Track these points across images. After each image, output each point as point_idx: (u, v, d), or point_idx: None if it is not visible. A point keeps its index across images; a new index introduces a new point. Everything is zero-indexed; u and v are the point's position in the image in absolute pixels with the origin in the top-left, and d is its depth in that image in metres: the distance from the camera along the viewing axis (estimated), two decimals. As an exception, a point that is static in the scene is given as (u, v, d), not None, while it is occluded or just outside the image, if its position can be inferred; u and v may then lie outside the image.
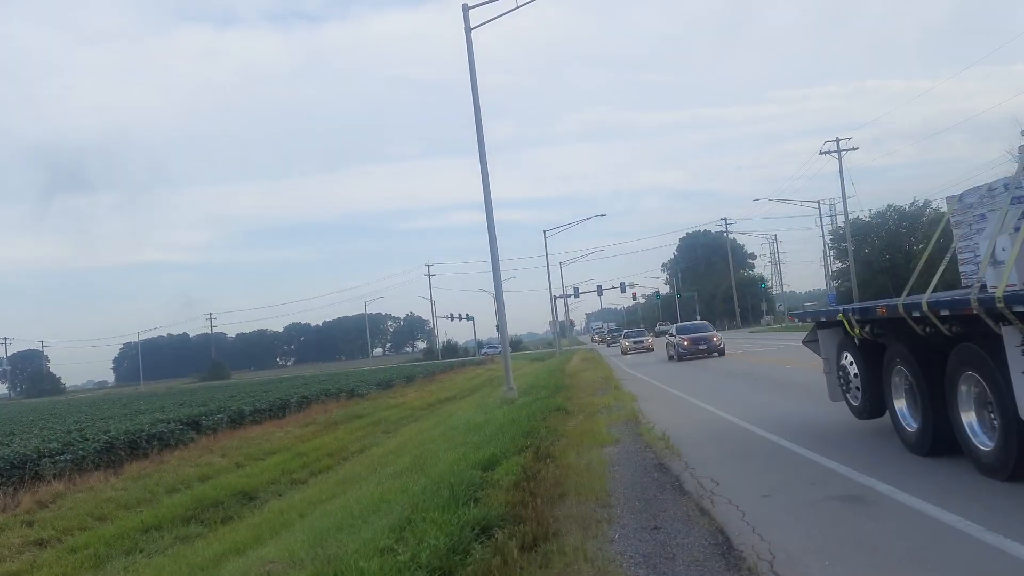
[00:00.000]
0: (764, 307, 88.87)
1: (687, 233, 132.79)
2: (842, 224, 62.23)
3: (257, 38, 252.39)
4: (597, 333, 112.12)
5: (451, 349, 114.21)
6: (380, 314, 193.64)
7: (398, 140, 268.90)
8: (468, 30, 19.13)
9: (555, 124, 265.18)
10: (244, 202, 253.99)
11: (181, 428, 20.07)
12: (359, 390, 32.80)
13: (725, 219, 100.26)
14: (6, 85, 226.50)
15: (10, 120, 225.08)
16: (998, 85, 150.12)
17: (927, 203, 55.61)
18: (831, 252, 64.53)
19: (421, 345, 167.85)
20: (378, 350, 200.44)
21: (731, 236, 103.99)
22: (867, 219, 59.57)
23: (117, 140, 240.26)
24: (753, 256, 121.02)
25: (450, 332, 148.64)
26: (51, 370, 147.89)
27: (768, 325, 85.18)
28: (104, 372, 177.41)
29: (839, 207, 57.28)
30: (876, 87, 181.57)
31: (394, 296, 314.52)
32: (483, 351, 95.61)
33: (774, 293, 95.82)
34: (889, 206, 58.47)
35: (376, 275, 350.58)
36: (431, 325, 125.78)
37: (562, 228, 71.83)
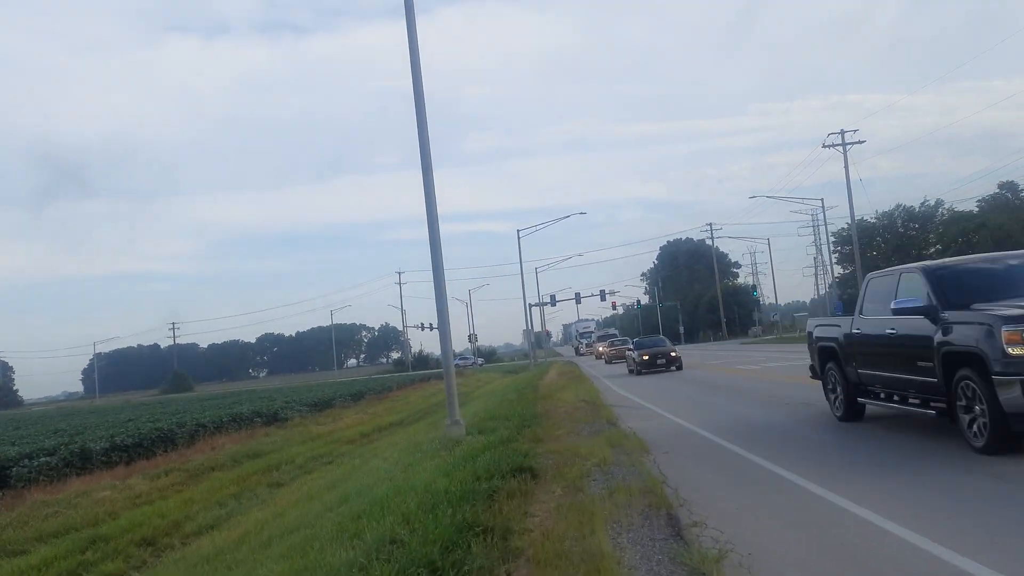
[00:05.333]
0: (756, 317, 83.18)
1: (668, 241, 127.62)
2: (841, 228, 56.81)
3: (245, 49, 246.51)
4: (584, 340, 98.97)
5: (423, 360, 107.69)
6: (354, 324, 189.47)
7: (382, 151, 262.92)
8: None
9: (537, 135, 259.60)
10: (228, 213, 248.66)
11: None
12: (283, 413, 26.35)
13: (711, 225, 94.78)
14: None
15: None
16: (977, 100, 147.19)
17: (939, 203, 50.13)
18: (833, 256, 58.98)
19: (395, 355, 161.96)
20: (352, 360, 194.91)
21: (715, 245, 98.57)
22: (872, 220, 54.03)
23: (102, 150, 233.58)
24: (738, 265, 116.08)
25: (424, 342, 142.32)
26: (16, 382, 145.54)
27: (757, 336, 79.55)
28: (76, 383, 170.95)
29: (831, 212, 51.69)
30: (857, 101, 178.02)
31: (369, 306, 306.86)
32: (455, 363, 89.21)
33: (766, 302, 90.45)
34: (898, 206, 53.03)
35: (350, 285, 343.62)
36: (406, 336, 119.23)
37: (538, 227, 65.67)
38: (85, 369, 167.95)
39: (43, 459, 15.30)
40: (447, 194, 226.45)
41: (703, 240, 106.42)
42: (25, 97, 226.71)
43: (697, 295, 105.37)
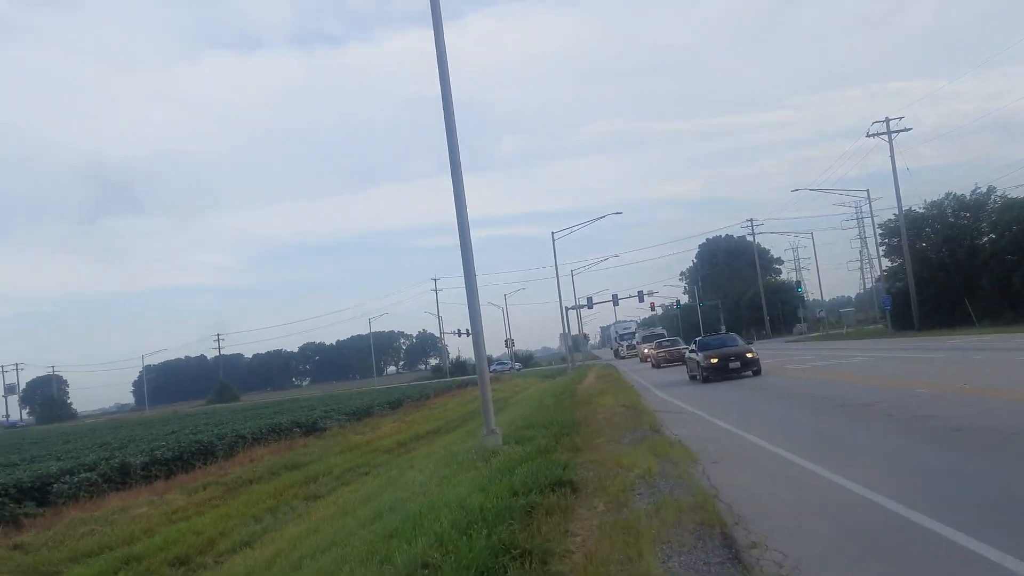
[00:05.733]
0: (801, 314, 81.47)
1: (707, 239, 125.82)
2: (888, 219, 55.28)
3: (281, 61, 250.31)
4: (624, 341, 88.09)
5: (460, 366, 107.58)
6: (393, 332, 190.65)
7: (416, 158, 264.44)
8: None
9: (570, 137, 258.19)
10: (269, 224, 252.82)
11: (16, 498, 13.60)
12: (322, 423, 26.20)
13: (751, 220, 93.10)
14: (42, 114, 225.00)
15: (34, 148, 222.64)
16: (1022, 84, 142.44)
17: (991, 189, 48.42)
18: (880, 248, 57.42)
19: (434, 362, 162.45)
20: (392, 368, 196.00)
21: (756, 241, 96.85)
22: (921, 210, 52.41)
23: (147, 166, 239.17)
24: (779, 261, 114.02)
25: (462, 348, 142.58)
26: (71, 394, 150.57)
27: (802, 334, 77.91)
28: (127, 395, 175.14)
29: (876, 204, 50.21)
30: (899, 89, 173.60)
31: (407, 313, 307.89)
32: (492, 368, 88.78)
33: (810, 299, 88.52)
34: (947, 194, 51.29)
35: (388, 293, 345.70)
36: (443, 342, 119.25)
37: (572, 229, 65.08)
38: (136, 381, 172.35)
39: (83, 475, 15.22)
40: (481, 199, 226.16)
41: (743, 237, 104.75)
42: (74, 117, 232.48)
43: (738, 293, 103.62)
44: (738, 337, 29.08)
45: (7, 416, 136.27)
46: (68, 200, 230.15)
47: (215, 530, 11.21)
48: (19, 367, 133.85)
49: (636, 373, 39.89)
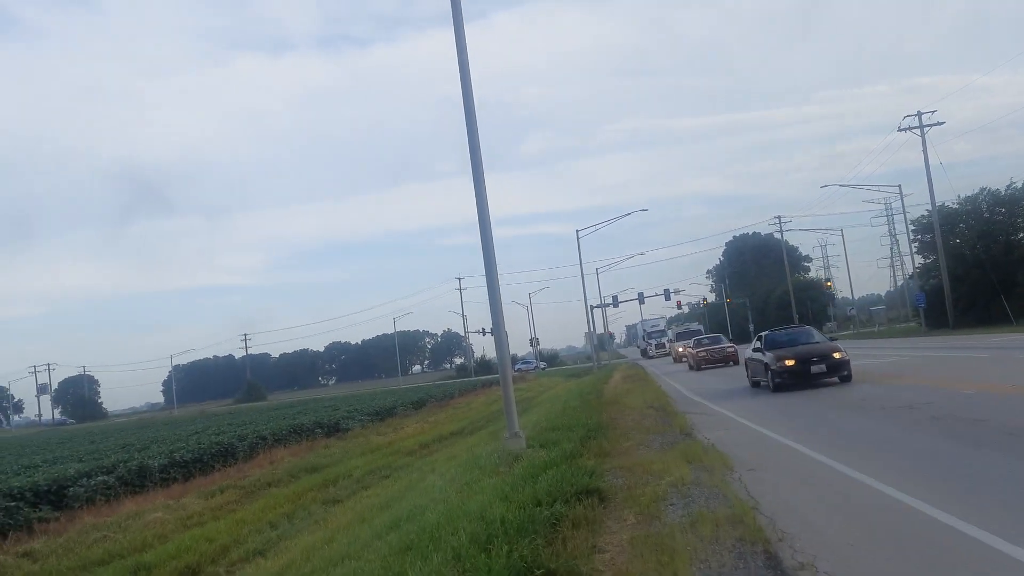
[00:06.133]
0: (830, 312, 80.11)
1: (734, 236, 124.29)
2: (921, 215, 54.00)
3: (308, 64, 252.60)
4: (653, 340, 79.45)
5: (485, 365, 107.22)
6: (418, 331, 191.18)
7: (440, 158, 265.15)
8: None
9: (596, 134, 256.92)
10: (296, 225, 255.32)
11: (32, 502, 13.36)
12: (344, 424, 25.89)
13: (779, 217, 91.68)
14: (77, 119, 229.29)
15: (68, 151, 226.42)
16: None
17: (1030, 184, 47.09)
18: (913, 245, 56.13)
19: (459, 361, 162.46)
20: (417, 367, 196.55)
21: (784, 238, 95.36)
22: (954, 206, 51.11)
23: (178, 168, 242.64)
24: (808, 258, 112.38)
25: (486, 347, 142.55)
26: (102, 394, 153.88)
27: (833, 332, 76.47)
28: (157, 394, 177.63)
29: (907, 200, 49.06)
30: (930, 83, 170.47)
31: (432, 312, 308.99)
32: (516, 367, 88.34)
33: (840, 296, 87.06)
34: (982, 189, 49.98)
35: (413, 292, 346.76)
36: (468, 341, 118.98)
37: (597, 227, 63.96)
38: (165, 381, 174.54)
39: (100, 478, 14.98)
40: (505, 197, 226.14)
41: (771, 234, 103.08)
42: (108, 121, 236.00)
43: (766, 291, 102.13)
44: (815, 331, 22.60)
45: (39, 415, 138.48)
46: (101, 203, 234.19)
47: (229, 537, 10.84)
48: (51, 367, 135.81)
49: (671, 377, 33.27)
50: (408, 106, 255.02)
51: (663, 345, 74.27)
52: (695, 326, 68.18)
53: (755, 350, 21.39)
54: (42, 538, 11.25)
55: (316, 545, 9.20)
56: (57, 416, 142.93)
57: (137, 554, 10.33)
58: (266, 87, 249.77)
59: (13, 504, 12.33)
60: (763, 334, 22.03)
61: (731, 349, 36.26)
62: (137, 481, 15.76)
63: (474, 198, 12.85)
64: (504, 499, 7.99)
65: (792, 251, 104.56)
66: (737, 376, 26.32)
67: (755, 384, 21.22)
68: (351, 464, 17.34)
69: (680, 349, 50.11)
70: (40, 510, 13.07)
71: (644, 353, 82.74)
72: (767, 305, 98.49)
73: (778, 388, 18.80)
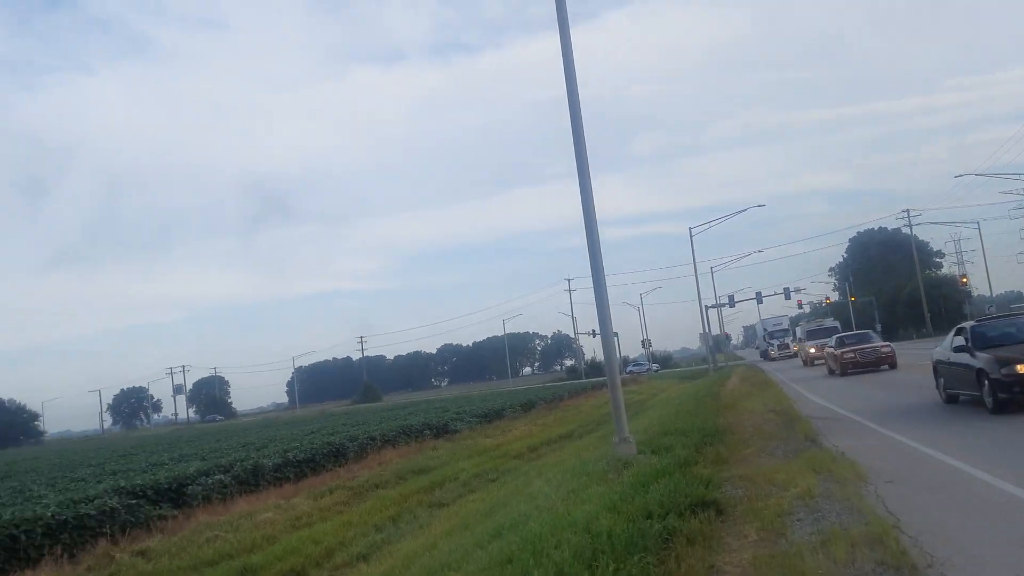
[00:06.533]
0: (967, 310, 74.87)
1: (858, 232, 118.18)
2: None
3: (421, 73, 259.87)
4: (775, 340, 71.40)
5: (596, 367, 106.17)
6: (528, 333, 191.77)
7: (549, 160, 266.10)
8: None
9: (709, 131, 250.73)
10: (411, 229, 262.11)
11: (153, 500, 13.77)
12: (453, 425, 25.86)
13: (907, 211, 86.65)
14: (207, 135, 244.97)
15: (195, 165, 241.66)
16: None
17: None
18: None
19: (569, 363, 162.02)
20: (527, 369, 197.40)
21: (913, 232, 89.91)
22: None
23: (300, 178, 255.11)
24: (940, 254, 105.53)
25: (596, 349, 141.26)
26: (232, 394, 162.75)
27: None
28: (282, 395, 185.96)
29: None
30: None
31: (542, 314, 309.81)
32: (628, 369, 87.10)
33: (977, 295, 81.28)
34: None
35: (523, 294, 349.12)
36: (578, 343, 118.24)
37: (712, 223, 61.66)
38: (289, 381, 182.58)
39: (217, 476, 15.35)
40: (615, 198, 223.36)
41: (898, 229, 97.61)
42: (235, 135, 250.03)
43: (894, 289, 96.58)
44: None
45: (175, 414, 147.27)
46: (230, 213, 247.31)
47: (335, 539, 10.75)
48: (185, 369, 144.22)
49: (804, 385, 26.57)
50: (517, 110, 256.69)
51: (787, 346, 68.27)
52: (831, 322, 54.23)
53: (956, 349, 14.82)
54: (158, 536, 11.52)
55: (417, 552, 8.91)
56: (192, 415, 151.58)
57: (246, 555, 10.39)
58: (381, 97, 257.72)
59: (134, 502, 12.70)
60: (968, 326, 15.54)
61: (887, 349, 29.43)
62: (252, 480, 16.06)
63: (580, 199, 12.39)
64: (612, 509, 7.45)
65: (922, 246, 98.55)
66: (895, 384, 22.08)
67: (952, 399, 15.29)
68: (458, 467, 17.14)
69: (812, 350, 42.64)
70: (160, 507, 13.44)
71: (764, 355, 75.62)
72: (895, 303, 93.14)
73: (1001, 407, 12.61)
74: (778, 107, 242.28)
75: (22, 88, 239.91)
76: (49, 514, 10.69)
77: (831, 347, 31.63)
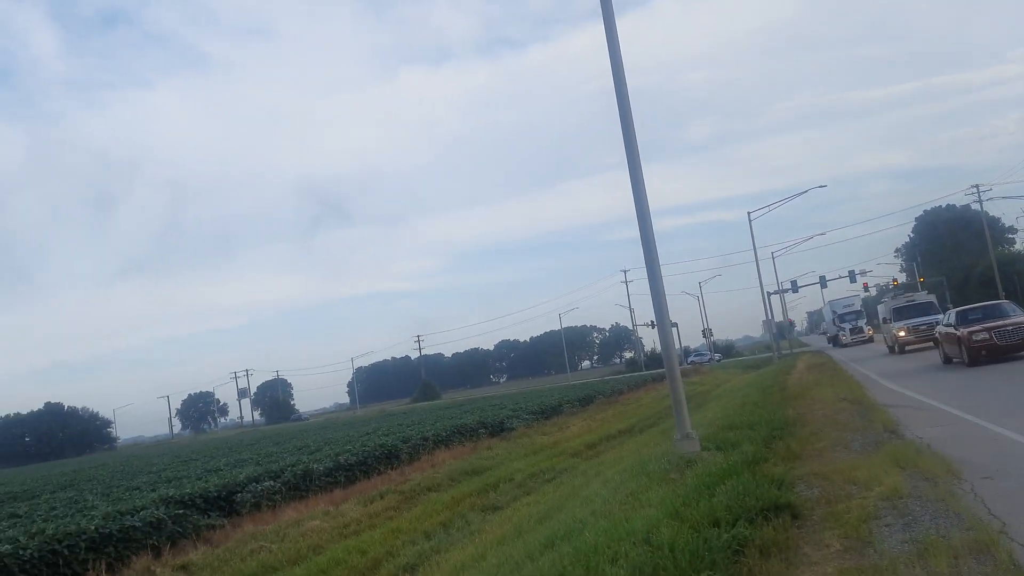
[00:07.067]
0: (1046, 287, 71.17)
1: (925, 211, 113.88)
2: None
3: (469, 71, 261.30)
4: (847, 323, 64.80)
5: (656, 359, 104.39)
6: (585, 326, 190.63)
7: (600, 152, 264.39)
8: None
9: (762, 115, 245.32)
10: (465, 227, 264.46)
11: (203, 509, 13.51)
12: (509, 423, 25.29)
13: (977, 187, 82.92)
14: (265, 141, 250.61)
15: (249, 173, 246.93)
16: None
17: None
18: None
19: (628, 355, 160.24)
20: (586, 362, 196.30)
21: (984, 209, 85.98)
22: None
23: (355, 180, 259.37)
24: (1013, 230, 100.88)
25: (656, 340, 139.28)
26: (295, 396, 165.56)
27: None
28: (344, 395, 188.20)
29: None
30: None
31: (599, 307, 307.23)
32: (689, 360, 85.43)
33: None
34: None
35: (579, 287, 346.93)
36: (637, 334, 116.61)
37: (771, 207, 59.40)
38: (350, 382, 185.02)
39: (267, 483, 15.03)
40: (671, 186, 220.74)
41: (967, 206, 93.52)
42: (289, 140, 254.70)
43: (965, 268, 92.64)
44: None
45: (241, 418, 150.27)
46: (288, 218, 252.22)
47: (382, 549, 10.24)
48: (249, 373, 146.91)
49: (903, 382, 19.19)
50: (567, 103, 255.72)
51: (860, 329, 61.62)
52: (924, 296, 42.83)
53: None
54: (202, 548, 11.17)
55: (466, 563, 8.34)
56: (258, 417, 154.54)
57: (289, 567, 9.96)
58: (431, 96, 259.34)
59: (182, 511, 12.43)
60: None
61: None
62: (303, 485, 15.73)
63: (631, 189, 11.69)
64: (674, 516, 6.75)
65: (993, 222, 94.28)
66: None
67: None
68: (513, 467, 16.54)
69: (902, 333, 34.18)
70: (210, 516, 13.16)
71: (834, 340, 68.62)
72: (967, 283, 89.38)
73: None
74: (834, 87, 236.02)
75: (87, 106, 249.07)
76: (93, 527, 10.44)
77: (948, 327, 22.87)
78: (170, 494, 13.42)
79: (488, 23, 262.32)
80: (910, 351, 33.05)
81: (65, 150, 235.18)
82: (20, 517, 13.95)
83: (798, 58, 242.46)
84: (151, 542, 11.03)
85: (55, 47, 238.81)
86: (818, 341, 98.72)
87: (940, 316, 31.03)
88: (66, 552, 9.81)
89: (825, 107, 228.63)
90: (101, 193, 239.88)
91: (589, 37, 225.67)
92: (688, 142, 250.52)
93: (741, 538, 5.80)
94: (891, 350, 36.40)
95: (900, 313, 36.86)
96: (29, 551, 9.37)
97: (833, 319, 70.29)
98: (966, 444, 9.25)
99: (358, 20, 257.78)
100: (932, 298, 40.83)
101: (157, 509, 11.96)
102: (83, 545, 10.14)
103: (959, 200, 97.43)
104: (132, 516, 11.35)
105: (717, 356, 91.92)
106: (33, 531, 10.33)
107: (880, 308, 48.38)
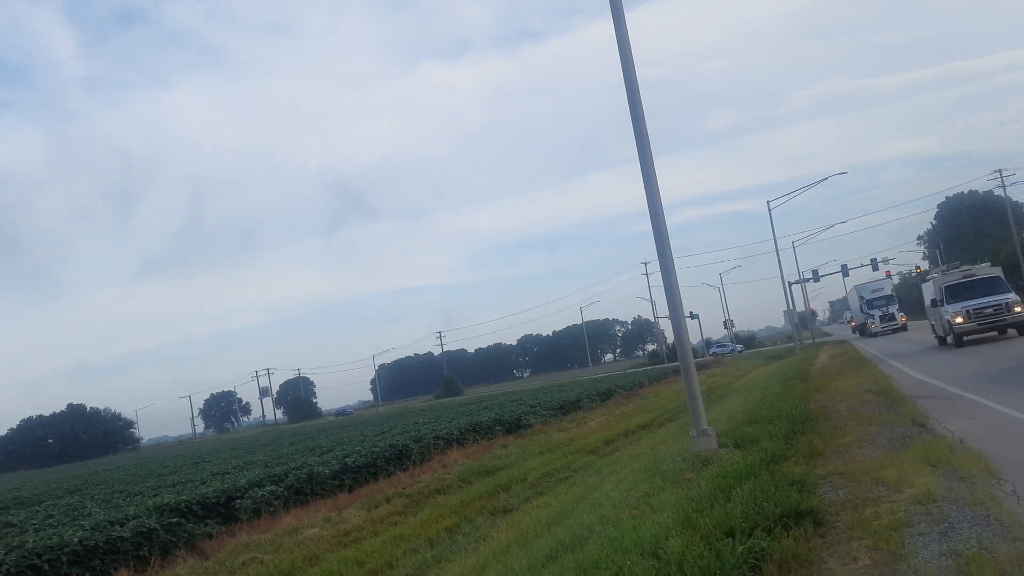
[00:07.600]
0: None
1: (947, 197, 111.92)
2: None
3: (488, 63, 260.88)
4: (877, 310, 57.00)
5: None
6: (607, 319, 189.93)
7: (620, 144, 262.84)
8: None
9: (780, 103, 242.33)
10: (487, 221, 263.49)
11: (201, 516, 13.06)
12: (525, 420, 24.74)
13: (1000, 171, 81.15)
14: (288, 136, 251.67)
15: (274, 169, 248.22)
16: None
17: None
18: None
19: (651, 348, 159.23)
20: (609, 356, 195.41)
21: (1007, 194, 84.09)
22: None
23: (378, 175, 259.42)
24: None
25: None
26: (317, 394, 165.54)
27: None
28: (367, 392, 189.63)
29: None
30: None
31: (620, 300, 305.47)
32: (711, 351, 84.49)
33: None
34: None
35: (600, 280, 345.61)
36: (658, 327, 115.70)
37: (791, 195, 58.26)
38: (373, 379, 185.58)
39: (269, 488, 14.55)
40: (689, 177, 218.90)
41: (990, 191, 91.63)
42: (312, 135, 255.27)
43: (989, 254, 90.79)
44: None
45: (263, 416, 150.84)
46: (312, 214, 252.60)
47: (381, 559, 9.71)
48: (270, 371, 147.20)
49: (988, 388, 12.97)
50: (586, 94, 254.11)
51: (892, 316, 55.03)
52: (986, 269, 31.58)
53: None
54: (190, 561, 10.66)
55: (465, 574, 7.80)
56: (280, 416, 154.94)
57: (313, 563, 9.47)
58: (452, 89, 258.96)
59: (176, 520, 11.96)
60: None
61: None
62: (307, 489, 15.24)
63: (642, 183, 11.16)
64: (686, 524, 6.20)
65: (1017, 208, 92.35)
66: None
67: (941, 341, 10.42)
68: (527, 466, 15.99)
69: (959, 319, 25.85)
70: (207, 524, 12.69)
71: (861, 329, 61.70)
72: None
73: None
74: (853, 74, 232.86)
75: (107, 104, 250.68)
76: (77, 539, 9.99)
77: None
78: (167, 501, 12.96)
79: (506, 15, 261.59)
80: (969, 342, 25.73)
81: (86, 149, 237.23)
82: (14, 526, 13.58)
83: (815, 46, 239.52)
84: (141, 553, 10.58)
85: (72, 47, 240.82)
86: (842, 331, 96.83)
87: (1012, 296, 25.87)
88: (46, 567, 9.36)
89: (843, 94, 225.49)
90: (123, 192, 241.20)
91: (608, 28, 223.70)
92: (706, 132, 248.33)
93: (758, 551, 5.24)
94: (942, 341, 28.49)
95: (955, 293, 27.52)
96: (6, 567, 8.94)
97: (861, 305, 61.69)
98: (1002, 438, 8.58)
99: (377, 14, 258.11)
100: (998, 272, 30.35)
101: (149, 518, 11.48)
102: (65, 559, 9.69)
103: (982, 186, 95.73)
104: (121, 526, 10.91)
105: (739, 347, 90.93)
106: (14, 544, 9.89)
107: (926, 288, 36.64)
